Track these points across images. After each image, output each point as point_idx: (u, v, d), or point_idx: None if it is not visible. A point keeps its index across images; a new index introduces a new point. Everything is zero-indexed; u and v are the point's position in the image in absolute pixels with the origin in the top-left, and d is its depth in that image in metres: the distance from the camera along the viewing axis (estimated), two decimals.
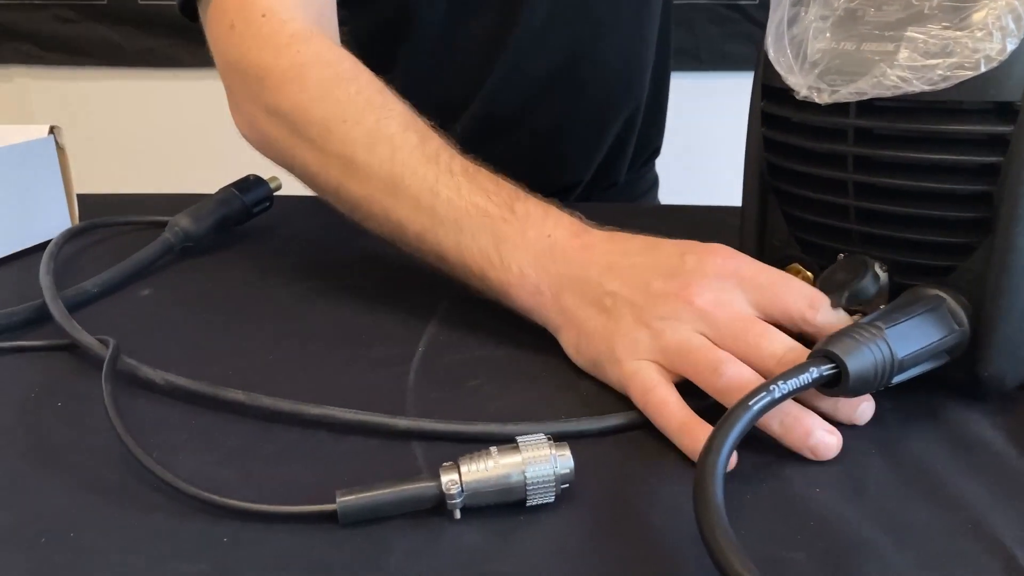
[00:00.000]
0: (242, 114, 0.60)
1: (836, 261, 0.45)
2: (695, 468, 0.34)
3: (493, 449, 0.34)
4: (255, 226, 0.69)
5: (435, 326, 0.52)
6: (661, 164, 0.99)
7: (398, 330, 0.51)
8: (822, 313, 0.42)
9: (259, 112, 0.57)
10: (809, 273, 0.48)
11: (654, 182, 1.00)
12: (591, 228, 0.49)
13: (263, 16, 0.58)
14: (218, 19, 0.60)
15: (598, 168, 0.87)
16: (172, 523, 0.35)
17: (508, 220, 0.48)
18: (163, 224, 0.64)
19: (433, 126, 0.54)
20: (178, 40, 1.57)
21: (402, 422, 0.40)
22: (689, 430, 0.39)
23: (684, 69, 1.46)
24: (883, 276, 0.44)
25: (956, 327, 0.41)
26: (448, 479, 0.34)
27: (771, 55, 0.46)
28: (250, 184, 0.70)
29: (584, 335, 0.45)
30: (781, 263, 0.49)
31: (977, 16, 0.39)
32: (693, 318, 0.42)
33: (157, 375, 0.44)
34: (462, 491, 0.34)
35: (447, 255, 0.50)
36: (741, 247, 0.50)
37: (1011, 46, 0.38)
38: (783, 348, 0.40)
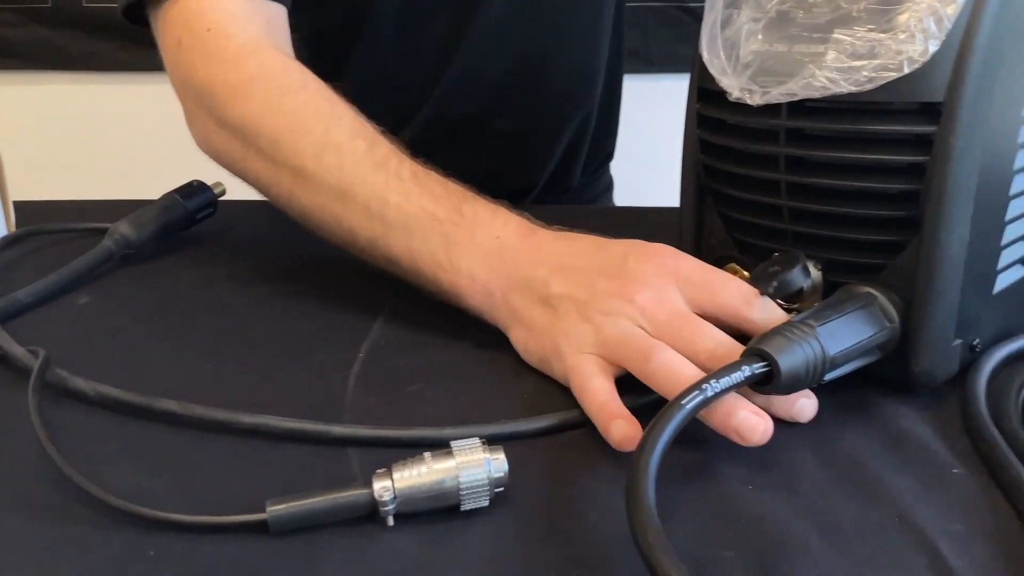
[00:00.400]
0: (196, 127, 0.60)
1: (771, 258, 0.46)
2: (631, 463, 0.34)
3: (427, 455, 0.34)
4: (198, 232, 0.68)
5: (377, 332, 0.51)
6: (617, 165, 0.99)
7: (339, 336, 0.51)
8: (756, 310, 0.42)
9: (211, 125, 0.58)
10: (746, 273, 0.48)
11: (608, 185, 1.00)
12: (539, 228, 0.49)
13: (208, 31, 0.58)
14: (166, 35, 0.60)
15: (552, 173, 0.87)
16: (98, 537, 0.34)
17: (457, 223, 0.49)
18: (103, 231, 0.63)
19: (383, 132, 0.54)
20: (123, 43, 1.54)
21: (336, 429, 0.39)
22: (608, 412, 0.40)
23: (636, 71, 1.47)
24: (816, 274, 0.45)
25: (887, 324, 0.42)
26: (380, 486, 0.34)
27: (705, 57, 0.46)
28: (193, 190, 0.69)
29: (532, 333, 0.46)
30: (718, 263, 0.49)
31: (901, 19, 0.39)
32: (634, 313, 0.43)
33: (88, 386, 0.43)
34: (395, 498, 0.33)
35: (399, 260, 0.50)
36: (680, 248, 0.50)
37: (933, 48, 0.39)
38: (714, 343, 0.41)
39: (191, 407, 0.41)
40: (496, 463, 0.34)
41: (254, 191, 0.59)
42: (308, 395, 0.45)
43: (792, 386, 0.38)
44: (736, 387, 0.37)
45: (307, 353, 0.49)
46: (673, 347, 0.41)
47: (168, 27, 0.60)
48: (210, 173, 0.71)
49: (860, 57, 0.40)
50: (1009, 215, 0.45)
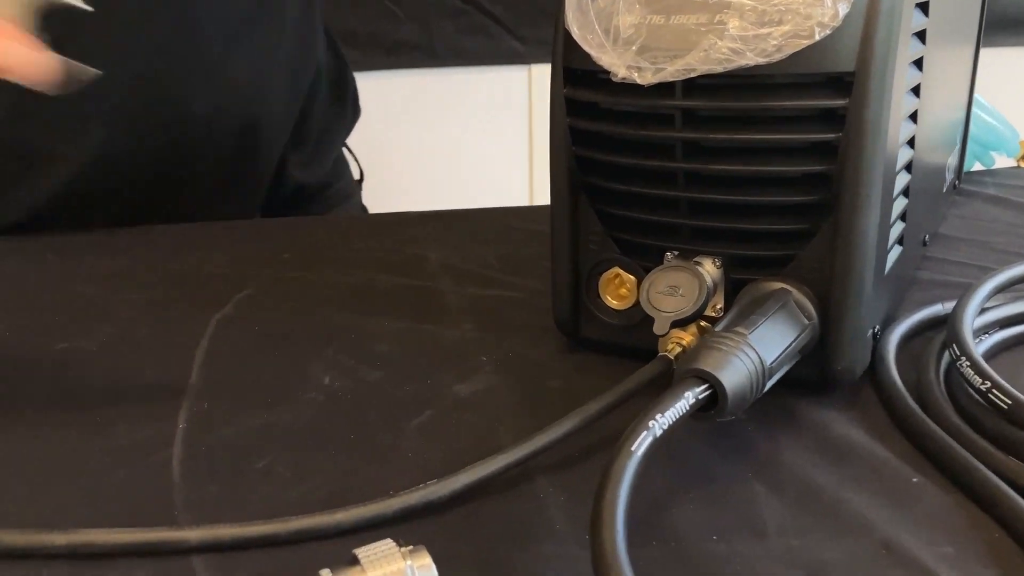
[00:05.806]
0: None
1: (663, 263, 0.40)
2: (589, 538, 0.27)
3: (324, 573, 0.25)
4: None
5: (195, 390, 0.41)
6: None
7: (147, 404, 0.40)
8: None
9: None
10: (632, 276, 0.43)
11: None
12: None
13: None
14: None
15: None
16: None
17: None
18: None
19: None
20: None
21: (192, 535, 0.29)
22: None
23: (422, 65, 1.40)
24: (717, 272, 0.40)
25: (807, 321, 0.38)
26: None
27: (576, 33, 0.39)
28: None
29: None
30: (598, 268, 0.44)
31: None
32: None
33: None
34: None
35: None
36: (552, 253, 0.44)
37: (843, 11, 0.35)
38: None
39: None
40: (422, 570, 0.25)
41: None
42: (118, 491, 0.33)
43: (737, 407, 0.33)
44: (683, 418, 0.31)
45: (106, 433, 0.37)
46: None
47: None
48: None
49: (765, 24, 0.35)
50: (896, 190, 0.42)
